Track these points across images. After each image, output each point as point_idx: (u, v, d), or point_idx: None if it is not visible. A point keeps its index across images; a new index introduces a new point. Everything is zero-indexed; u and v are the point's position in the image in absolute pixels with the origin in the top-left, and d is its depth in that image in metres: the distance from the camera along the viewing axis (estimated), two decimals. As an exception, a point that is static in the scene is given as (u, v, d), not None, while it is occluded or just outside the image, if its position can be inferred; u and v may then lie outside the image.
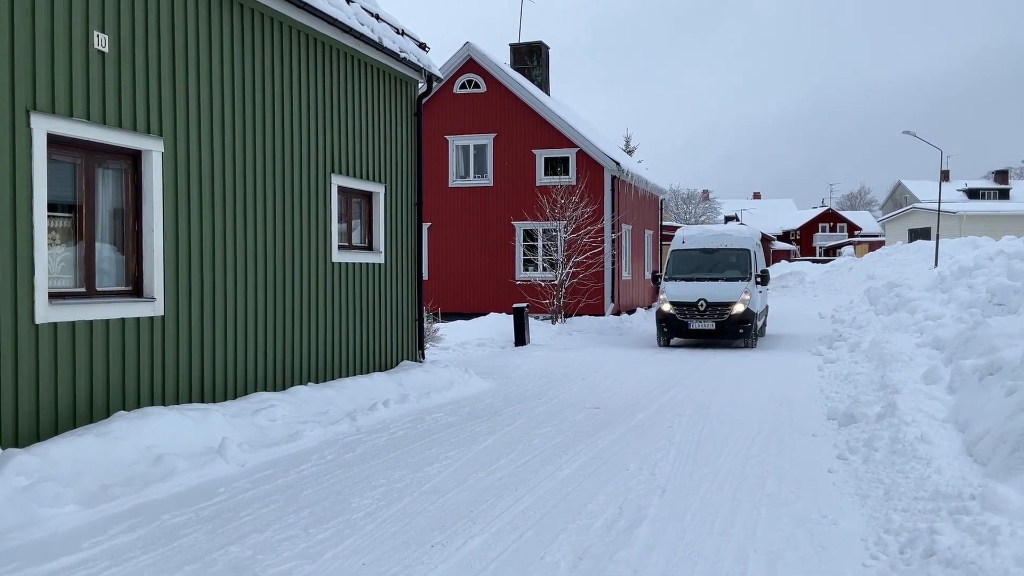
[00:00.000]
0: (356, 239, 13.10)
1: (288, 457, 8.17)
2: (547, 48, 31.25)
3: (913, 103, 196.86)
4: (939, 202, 41.41)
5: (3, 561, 5.21)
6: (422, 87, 14.63)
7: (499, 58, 28.90)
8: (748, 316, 18.72)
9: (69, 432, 7.41)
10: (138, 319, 8.50)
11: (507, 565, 5.29)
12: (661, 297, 19.46)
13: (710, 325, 18.75)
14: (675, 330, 19.20)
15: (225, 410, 8.75)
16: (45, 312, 7.41)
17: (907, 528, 5.69)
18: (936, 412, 9.03)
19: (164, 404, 8.73)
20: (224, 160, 9.73)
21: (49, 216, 7.59)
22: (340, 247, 12.34)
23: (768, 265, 69.53)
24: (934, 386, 10.38)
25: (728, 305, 18.73)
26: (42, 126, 7.39)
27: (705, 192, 77.95)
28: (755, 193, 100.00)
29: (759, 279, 19.45)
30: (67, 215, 8.01)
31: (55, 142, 7.64)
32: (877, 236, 75.11)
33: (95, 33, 7.93)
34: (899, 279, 28.15)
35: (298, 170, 11.17)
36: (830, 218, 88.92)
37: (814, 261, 65.95)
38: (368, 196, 13.31)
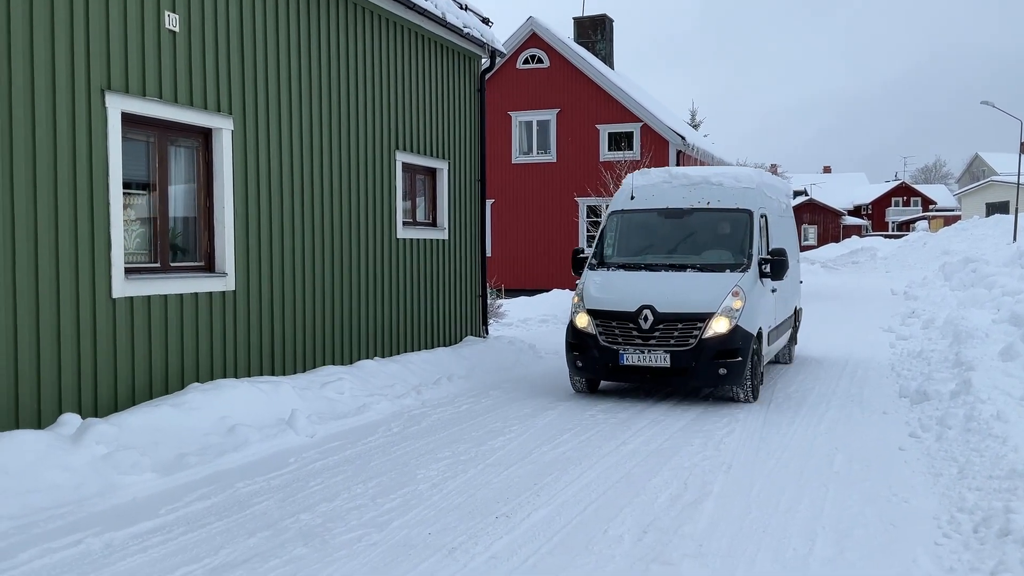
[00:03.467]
0: (420, 215, 13.19)
1: (355, 429, 8.31)
2: (611, 21, 30.90)
3: (993, 72, 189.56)
4: (1019, 174, 39.91)
5: (86, 525, 5.43)
6: (485, 63, 14.60)
7: (563, 32, 28.69)
8: (736, 342, 9.44)
9: (146, 403, 7.66)
10: (210, 294, 8.72)
11: (571, 537, 5.31)
12: (575, 301, 10.37)
13: (660, 359, 9.49)
14: (595, 365, 9.90)
15: (294, 383, 8.93)
16: (122, 287, 7.65)
17: (981, 507, 5.55)
18: (1013, 389, 8.76)
19: (236, 376, 8.96)
20: (292, 137, 9.87)
21: (124, 193, 7.80)
22: (404, 223, 12.44)
23: (838, 239, 67.42)
24: (1011, 363, 10.06)
25: (697, 319, 9.49)
26: (116, 105, 7.59)
27: (773, 166, 76.42)
28: (825, 167, 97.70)
29: (766, 268, 10.23)
30: (142, 192, 8.23)
31: (129, 121, 7.83)
32: (953, 210, 72.83)
33: (166, 13, 8.09)
34: (976, 254, 27.30)
35: (363, 147, 11.28)
36: (903, 192, 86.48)
37: (886, 236, 64.29)
38: (432, 172, 13.37)
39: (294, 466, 6.96)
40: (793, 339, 13.17)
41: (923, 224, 65.90)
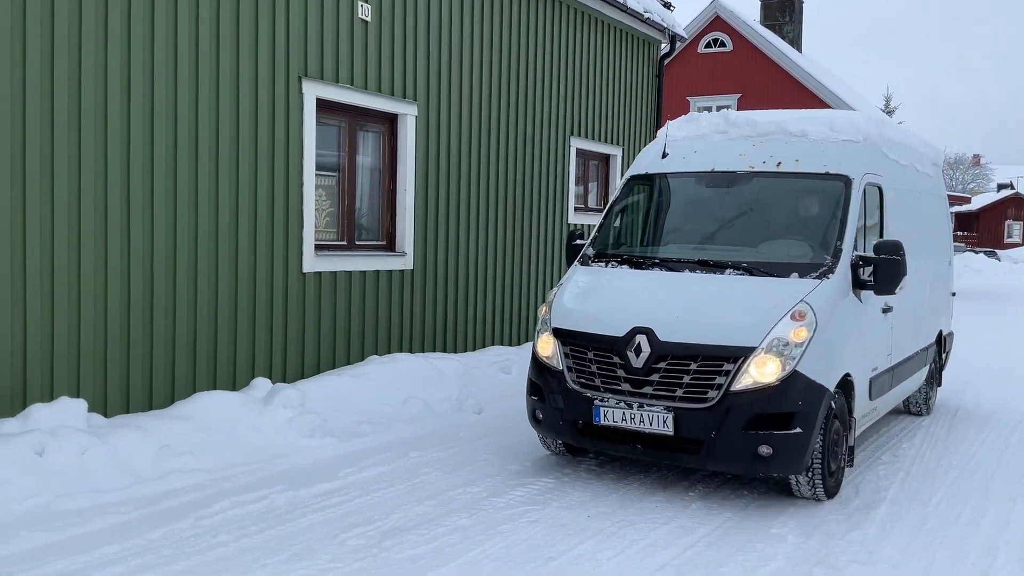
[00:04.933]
0: (592, 201, 13.25)
1: (522, 409, 8.48)
2: (800, 2, 29.70)
3: None
4: None
5: (272, 482, 5.87)
6: (664, 48, 14.42)
7: (748, 15, 27.85)
8: (792, 401, 5.60)
9: (329, 371, 8.17)
10: (390, 272, 9.14)
11: (732, 533, 5.26)
12: (542, 313, 6.71)
13: (657, 421, 5.76)
14: (557, 421, 6.26)
15: (464, 360, 9.23)
16: (311, 262, 8.16)
17: None
18: None
19: (410, 351, 9.36)
20: (471, 122, 10.16)
21: (316, 175, 8.31)
22: (576, 208, 12.53)
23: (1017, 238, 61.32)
24: None
25: (723, 358, 5.70)
26: (312, 91, 8.08)
27: (976, 157, 71.07)
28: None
29: (866, 272, 6.28)
30: (332, 174, 8.73)
31: (322, 106, 8.32)
32: None
33: (359, 3, 8.51)
34: None
35: (538, 132, 11.44)
36: None
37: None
38: (605, 159, 13.38)
39: (462, 440, 7.21)
40: (935, 380, 9.01)
41: None
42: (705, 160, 7.02)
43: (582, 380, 6.13)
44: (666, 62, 14.73)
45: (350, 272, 8.63)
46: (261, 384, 7.38)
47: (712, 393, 5.65)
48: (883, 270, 6.17)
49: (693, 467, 6.14)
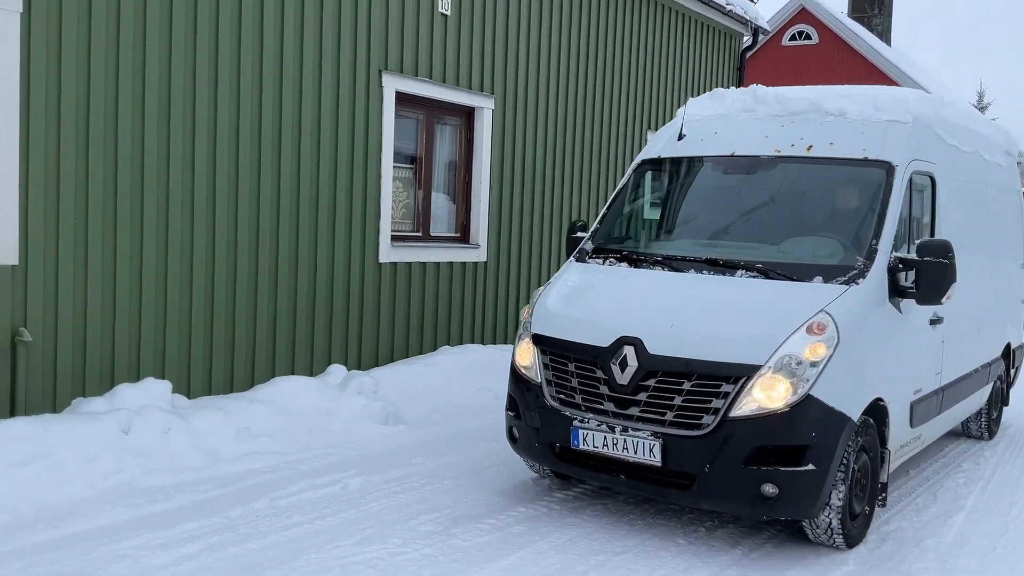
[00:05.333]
0: (670, 196, 13.13)
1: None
2: (891, -7, 28.84)
3: None
4: None
5: (346, 467, 6.00)
6: (747, 40, 14.19)
7: (835, 7, 27.17)
8: (804, 432, 4.66)
9: (402, 360, 8.31)
10: (464, 264, 9.24)
11: (802, 533, 5.18)
12: (524, 316, 5.89)
13: (643, 449, 4.89)
14: (533, 441, 5.46)
15: (536, 353, 9.27)
16: (387, 253, 8.30)
17: None
18: None
19: (482, 343, 9.45)
20: (547, 116, 10.18)
21: (394, 166, 8.44)
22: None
23: None
24: None
25: (722, 376, 4.78)
26: (392, 84, 8.20)
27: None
28: None
29: (906, 277, 5.31)
30: (408, 166, 8.85)
31: (401, 99, 8.44)
32: None
33: (439, -2, 8.62)
34: None
35: (614, 126, 11.39)
36: None
37: None
38: (684, 153, 13.24)
39: (531, 433, 7.25)
40: (999, 400, 8.07)
41: None
42: (725, 143, 6.10)
43: (562, 396, 5.29)
44: (748, 55, 14.48)
45: (424, 263, 8.75)
46: (337, 371, 7.54)
47: (708, 419, 4.74)
48: (927, 275, 5.16)
49: (684, 505, 5.23)
